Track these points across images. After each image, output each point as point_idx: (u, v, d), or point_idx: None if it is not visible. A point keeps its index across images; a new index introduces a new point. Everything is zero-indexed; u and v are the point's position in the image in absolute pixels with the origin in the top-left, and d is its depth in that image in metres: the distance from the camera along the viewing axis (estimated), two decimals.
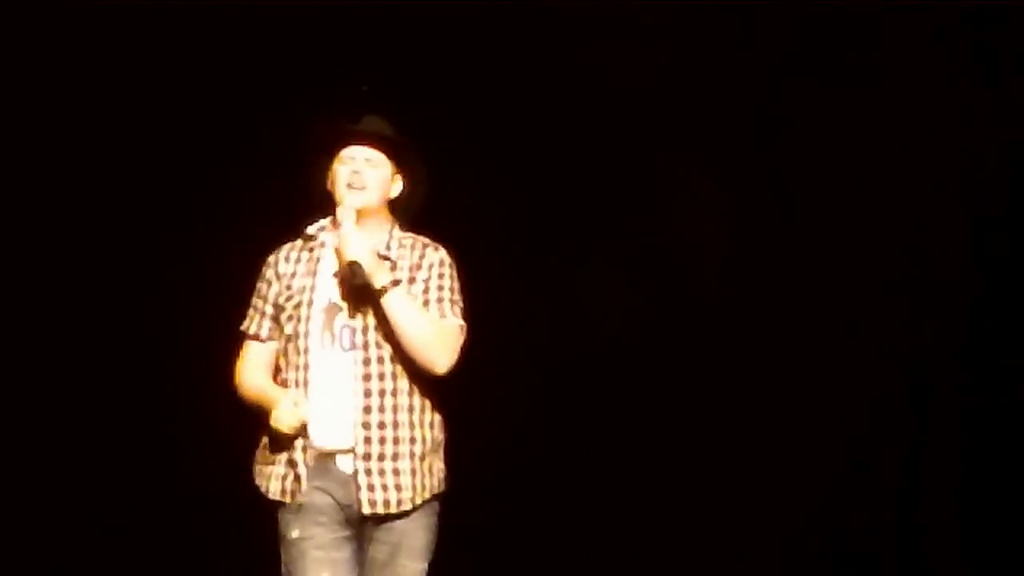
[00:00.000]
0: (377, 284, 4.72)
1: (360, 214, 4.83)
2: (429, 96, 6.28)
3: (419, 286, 4.84)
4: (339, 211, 4.84)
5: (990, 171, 6.49)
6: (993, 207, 6.50)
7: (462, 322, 4.86)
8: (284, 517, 4.81)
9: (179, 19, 6.41)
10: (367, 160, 4.87)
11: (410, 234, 4.98)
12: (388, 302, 4.72)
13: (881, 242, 6.52)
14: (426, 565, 4.85)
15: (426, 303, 4.82)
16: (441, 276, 4.86)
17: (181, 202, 6.47)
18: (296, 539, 4.77)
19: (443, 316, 4.83)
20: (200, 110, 6.42)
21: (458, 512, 5.02)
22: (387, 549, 4.79)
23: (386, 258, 4.86)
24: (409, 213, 5.01)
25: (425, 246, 4.94)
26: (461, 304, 4.89)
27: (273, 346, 4.91)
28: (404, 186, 4.96)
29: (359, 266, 4.70)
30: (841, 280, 6.53)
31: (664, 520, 6.45)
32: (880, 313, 6.52)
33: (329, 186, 4.92)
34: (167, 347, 6.39)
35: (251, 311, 4.97)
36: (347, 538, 4.77)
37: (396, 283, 4.75)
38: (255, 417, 4.89)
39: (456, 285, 4.90)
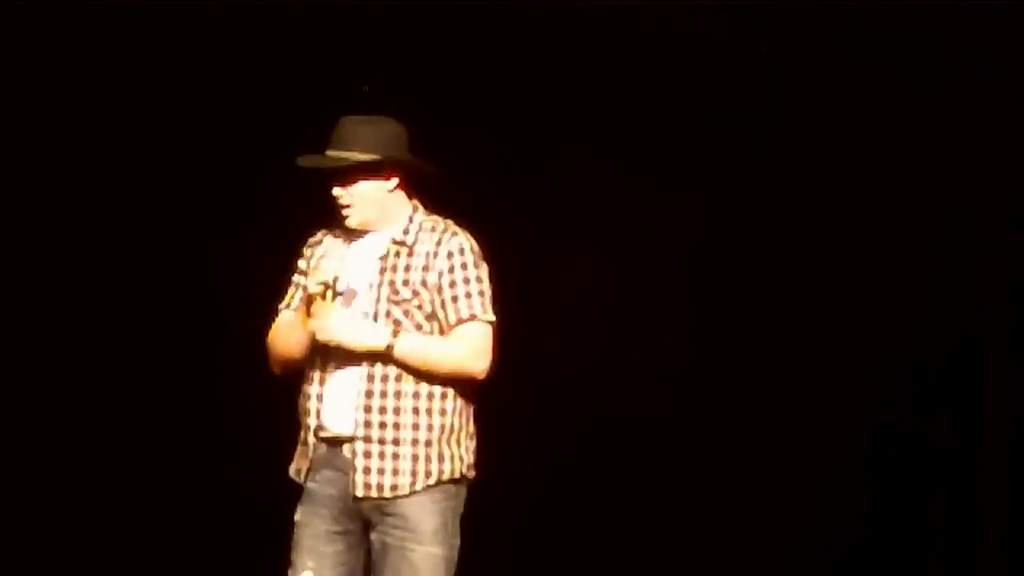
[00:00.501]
0: (382, 345, 4.71)
1: (366, 225, 4.83)
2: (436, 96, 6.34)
3: (434, 277, 4.76)
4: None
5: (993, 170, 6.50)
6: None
7: (489, 317, 4.78)
8: (300, 498, 4.87)
9: (214, 19, 6.59)
10: (342, 182, 4.80)
11: (435, 217, 4.90)
12: (401, 355, 4.70)
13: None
14: (441, 551, 4.76)
15: (443, 304, 4.75)
16: (464, 267, 4.77)
17: (225, 199, 6.63)
18: (297, 522, 4.85)
19: (463, 320, 4.74)
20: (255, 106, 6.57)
21: (489, 503, 4.98)
22: (397, 533, 4.73)
23: (402, 243, 4.81)
24: (422, 190, 4.93)
25: (444, 231, 4.84)
26: (487, 293, 4.80)
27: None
28: (399, 176, 4.85)
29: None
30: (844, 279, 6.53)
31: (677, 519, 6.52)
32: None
33: None
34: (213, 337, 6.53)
35: (289, 288, 4.99)
36: (343, 533, 4.79)
37: (396, 332, 4.71)
38: (293, 372, 4.89)
39: (478, 273, 4.80)
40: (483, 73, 6.54)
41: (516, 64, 6.63)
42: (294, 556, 4.81)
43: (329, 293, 4.72)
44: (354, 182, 4.79)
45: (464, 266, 4.79)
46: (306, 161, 4.85)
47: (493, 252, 4.89)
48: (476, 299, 4.78)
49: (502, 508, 5.99)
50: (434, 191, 4.95)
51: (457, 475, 4.82)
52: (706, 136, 6.72)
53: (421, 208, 4.92)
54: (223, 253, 6.71)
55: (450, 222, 4.90)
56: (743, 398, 6.67)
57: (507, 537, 6.43)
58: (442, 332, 4.78)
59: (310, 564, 4.79)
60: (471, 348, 4.76)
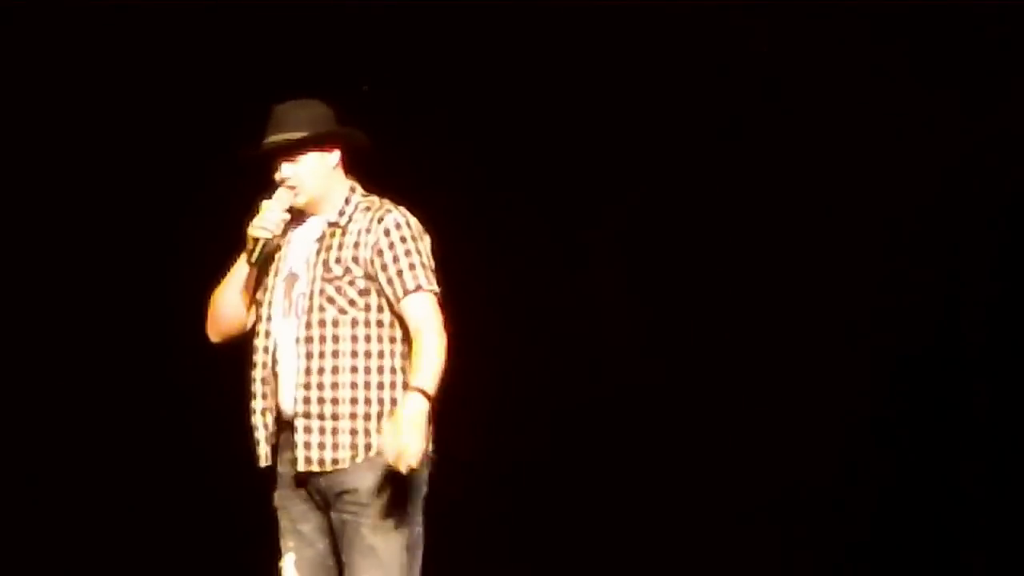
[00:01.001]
0: (427, 406, 4.64)
1: (315, 204, 4.87)
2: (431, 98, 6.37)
3: (367, 252, 4.77)
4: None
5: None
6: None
7: (433, 288, 4.78)
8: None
9: (196, 19, 6.68)
10: (288, 160, 4.86)
11: (372, 197, 4.92)
12: (435, 389, 4.66)
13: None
14: (395, 527, 4.72)
15: (389, 281, 4.75)
16: (403, 240, 4.78)
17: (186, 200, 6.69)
18: (275, 507, 4.91)
19: (409, 291, 4.74)
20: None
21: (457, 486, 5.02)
22: (351, 509, 4.73)
23: (336, 224, 4.85)
24: (360, 166, 4.98)
25: (379, 208, 4.85)
26: (428, 264, 4.80)
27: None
28: (341, 149, 4.92)
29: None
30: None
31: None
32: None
33: None
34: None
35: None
36: (314, 509, 4.83)
37: (414, 388, 4.66)
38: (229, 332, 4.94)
39: (418, 246, 4.80)
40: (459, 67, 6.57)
41: (501, 60, 6.70)
42: (278, 540, 4.90)
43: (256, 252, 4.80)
44: (298, 161, 4.85)
45: (403, 239, 4.80)
46: (250, 149, 4.92)
47: (436, 230, 4.90)
48: (420, 271, 4.79)
49: (470, 490, 5.96)
50: (371, 166, 4.97)
51: None
52: (697, 126, 6.69)
53: (359, 188, 4.96)
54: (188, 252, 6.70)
55: (386, 200, 4.91)
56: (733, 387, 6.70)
57: (476, 521, 6.40)
58: (391, 307, 4.77)
59: (291, 544, 4.87)
60: (434, 327, 4.75)
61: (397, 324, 4.80)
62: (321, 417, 4.76)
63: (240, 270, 4.93)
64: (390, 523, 4.74)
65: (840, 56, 6.67)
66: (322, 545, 4.83)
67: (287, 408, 4.81)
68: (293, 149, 4.85)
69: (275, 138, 4.87)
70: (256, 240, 4.84)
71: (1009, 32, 6.54)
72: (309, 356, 4.77)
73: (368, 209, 4.87)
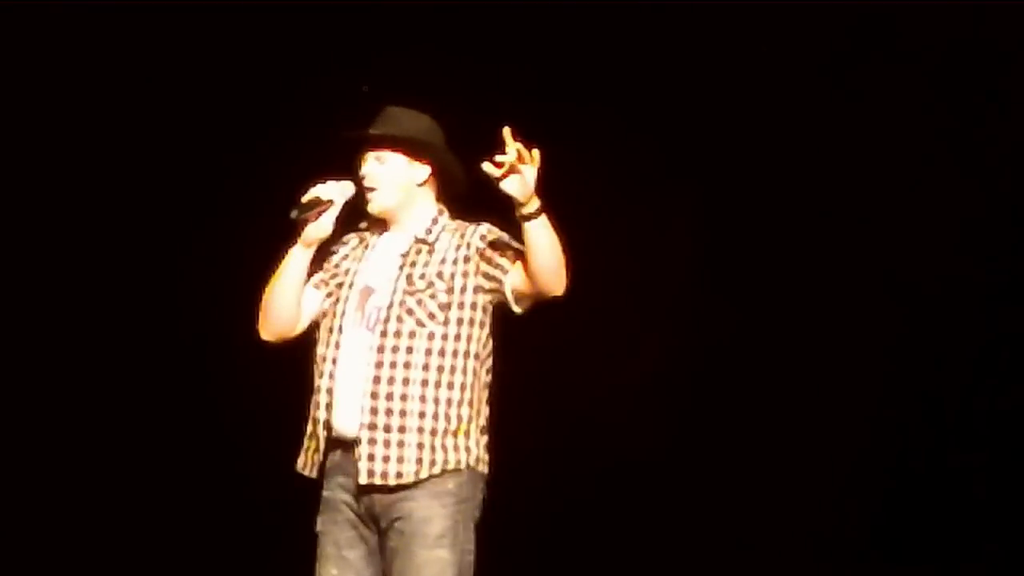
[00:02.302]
0: (535, 206, 4.63)
1: (388, 213, 4.86)
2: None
3: (449, 268, 4.77)
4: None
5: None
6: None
7: None
8: (319, 508, 4.84)
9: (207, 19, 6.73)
10: (377, 159, 4.86)
11: (459, 221, 4.92)
12: (545, 222, 4.63)
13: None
14: (449, 555, 4.69)
15: (496, 265, 4.76)
16: (493, 231, 4.80)
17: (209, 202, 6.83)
18: (318, 532, 4.84)
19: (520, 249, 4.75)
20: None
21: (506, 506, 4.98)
22: (401, 539, 4.69)
23: (423, 241, 4.84)
24: (451, 194, 4.96)
25: (467, 226, 4.87)
26: None
27: (313, 290, 4.91)
28: (432, 169, 4.89)
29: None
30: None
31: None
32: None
33: None
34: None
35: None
36: (363, 538, 4.77)
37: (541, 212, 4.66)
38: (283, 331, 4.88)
39: (510, 235, 4.79)
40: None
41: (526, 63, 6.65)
42: (318, 566, 4.81)
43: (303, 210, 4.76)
44: (385, 163, 4.82)
45: (493, 231, 4.81)
46: (347, 133, 4.90)
47: None
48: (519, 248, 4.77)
49: (519, 511, 5.96)
50: (460, 198, 4.98)
51: (463, 465, 4.76)
52: (711, 135, 6.67)
53: (447, 212, 4.95)
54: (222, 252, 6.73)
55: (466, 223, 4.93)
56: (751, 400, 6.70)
57: (522, 542, 6.40)
58: (471, 323, 4.78)
59: (333, 572, 4.78)
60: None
61: (474, 340, 4.79)
62: (387, 429, 4.71)
63: (295, 266, 4.83)
64: (443, 551, 4.69)
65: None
66: (368, 573, 4.78)
67: (345, 424, 4.75)
68: (385, 147, 4.82)
69: (374, 130, 4.85)
70: (312, 200, 4.77)
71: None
72: (379, 366, 4.73)
73: (455, 231, 4.87)
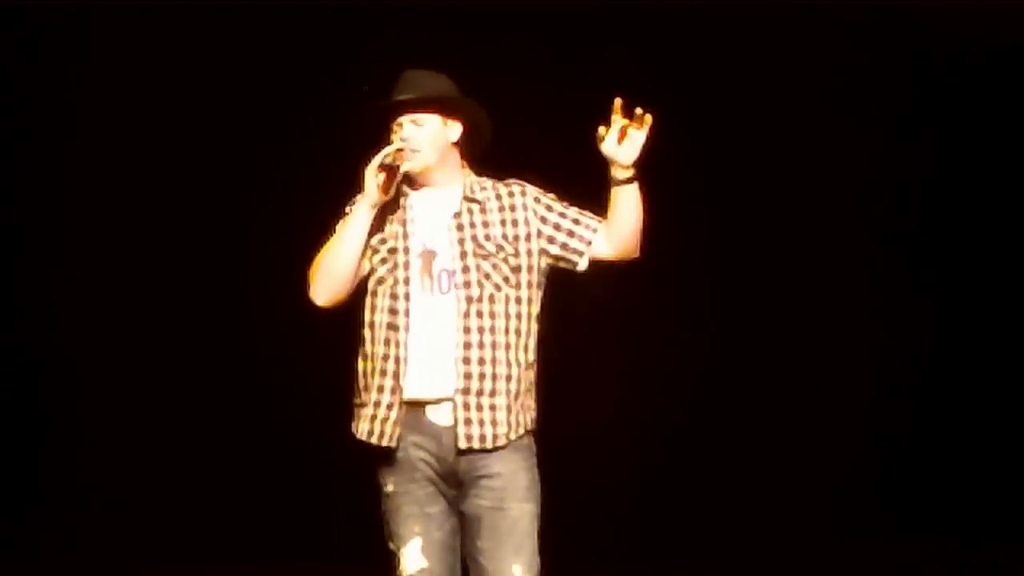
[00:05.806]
0: (631, 172, 4.77)
1: (424, 174, 4.89)
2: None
3: (524, 229, 4.87)
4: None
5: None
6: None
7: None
8: (381, 469, 4.87)
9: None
10: (413, 122, 4.86)
11: (484, 178, 4.97)
12: (635, 188, 4.80)
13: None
14: (535, 507, 4.83)
15: (571, 234, 4.88)
16: (547, 194, 4.92)
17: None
18: (391, 493, 4.88)
19: (596, 226, 4.90)
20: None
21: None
22: (493, 495, 4.79)
23: (473, 199, 4.89)
24: (477, 152, 5.01)
25: (498, 185, 4.94)
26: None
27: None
28: (463, 127, 4.93)
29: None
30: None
31: None
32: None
33: None
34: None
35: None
36: (441, 493, 4.84)
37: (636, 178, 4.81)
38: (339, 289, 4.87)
39: (554, 197, 4.94)
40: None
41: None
42: (396, 527, 4.86)
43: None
44: (422, 124, 4.87)
45: (552, 198, 4.94)
46: (402, 88, 4.89)
47: None
48: (587, 214, 4.93)
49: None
50: (483, 156, 5.04)
51: (532, 426, 4.91)
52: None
53: (471, 171, 5.00)
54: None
55: (496, 181, 4.99)
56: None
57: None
58: (538, 286, 4.91)
59: (416, 530, 4.84)
60: None
61: (536, 302, 4.90)
62: (480, 393, 4.79)
63: (360, 227, 4.82)
64: (530, 504, 4.83)
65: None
66: (449, 526, 4.85)
67: (424, 388, 4.79)
68: (420, 110, 4.85)
69: (405, 95, 4.87)
70: (385, 168, 4.78)
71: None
72: (467, 331, 4.79)
73: (485, 189, 4.94)
